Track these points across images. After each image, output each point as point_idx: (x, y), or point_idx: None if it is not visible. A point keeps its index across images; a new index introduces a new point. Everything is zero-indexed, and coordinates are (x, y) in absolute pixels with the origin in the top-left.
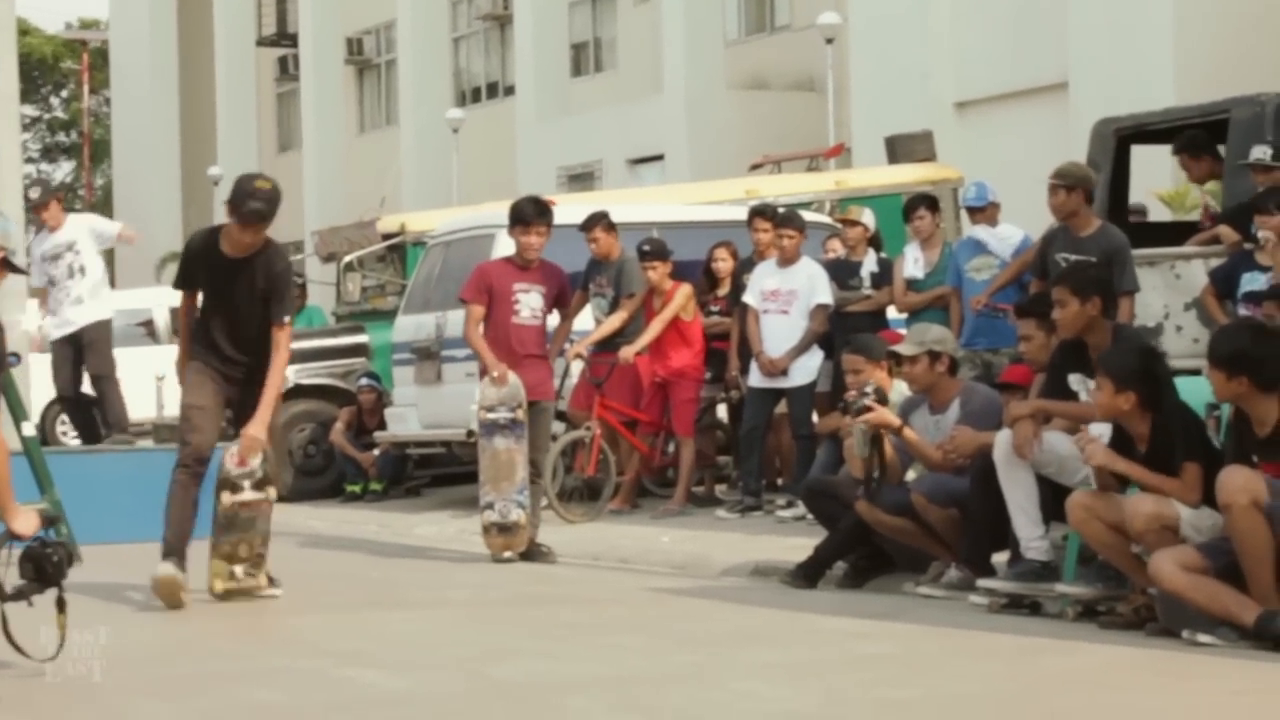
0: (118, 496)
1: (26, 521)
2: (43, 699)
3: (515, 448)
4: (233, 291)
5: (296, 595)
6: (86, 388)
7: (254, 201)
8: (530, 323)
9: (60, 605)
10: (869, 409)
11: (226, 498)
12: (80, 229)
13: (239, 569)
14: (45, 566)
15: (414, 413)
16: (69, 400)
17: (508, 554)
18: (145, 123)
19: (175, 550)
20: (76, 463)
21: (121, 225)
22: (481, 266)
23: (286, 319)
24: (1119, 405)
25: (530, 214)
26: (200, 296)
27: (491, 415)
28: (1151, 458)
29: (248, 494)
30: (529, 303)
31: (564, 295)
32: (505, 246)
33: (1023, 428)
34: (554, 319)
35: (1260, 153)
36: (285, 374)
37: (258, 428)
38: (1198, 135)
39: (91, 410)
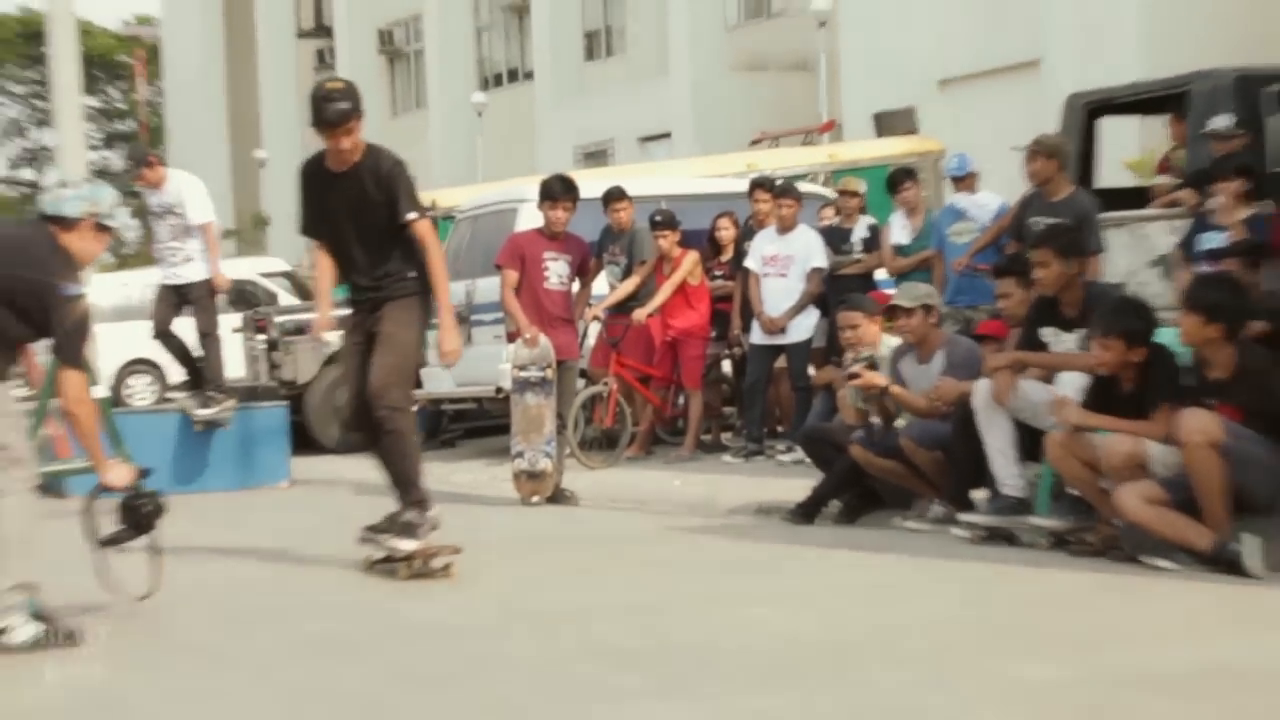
0: (174, 450)
1: (119, 474)
2: (133, 635)
3: (544, 403)
4: (352, 209)
5: (345, 535)
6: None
7: (331, 105)
8: (558, 288)
9: (153, 551)
10: (857, 375)
11: None
12: (181, 189)
13: None
14: (139, 516)
15: (447, 372)
16: (163, 335)
17: (535, 499)
18: (196, 110)
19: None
20: (143, 421)
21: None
22: (514, 236)
23: (413, 214)
24: (1121, 356)
25: (558, 190)
26: (326, 236)
27: (524, 373)
28: (1138, 394)
29: None
30: (557, 270)
31: (586, 263)
32: (527, 219)
33: (1001, 377)
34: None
35: (1218, 123)
36: (438, 269)
37: (449, 340)
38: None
39: (188, 352)
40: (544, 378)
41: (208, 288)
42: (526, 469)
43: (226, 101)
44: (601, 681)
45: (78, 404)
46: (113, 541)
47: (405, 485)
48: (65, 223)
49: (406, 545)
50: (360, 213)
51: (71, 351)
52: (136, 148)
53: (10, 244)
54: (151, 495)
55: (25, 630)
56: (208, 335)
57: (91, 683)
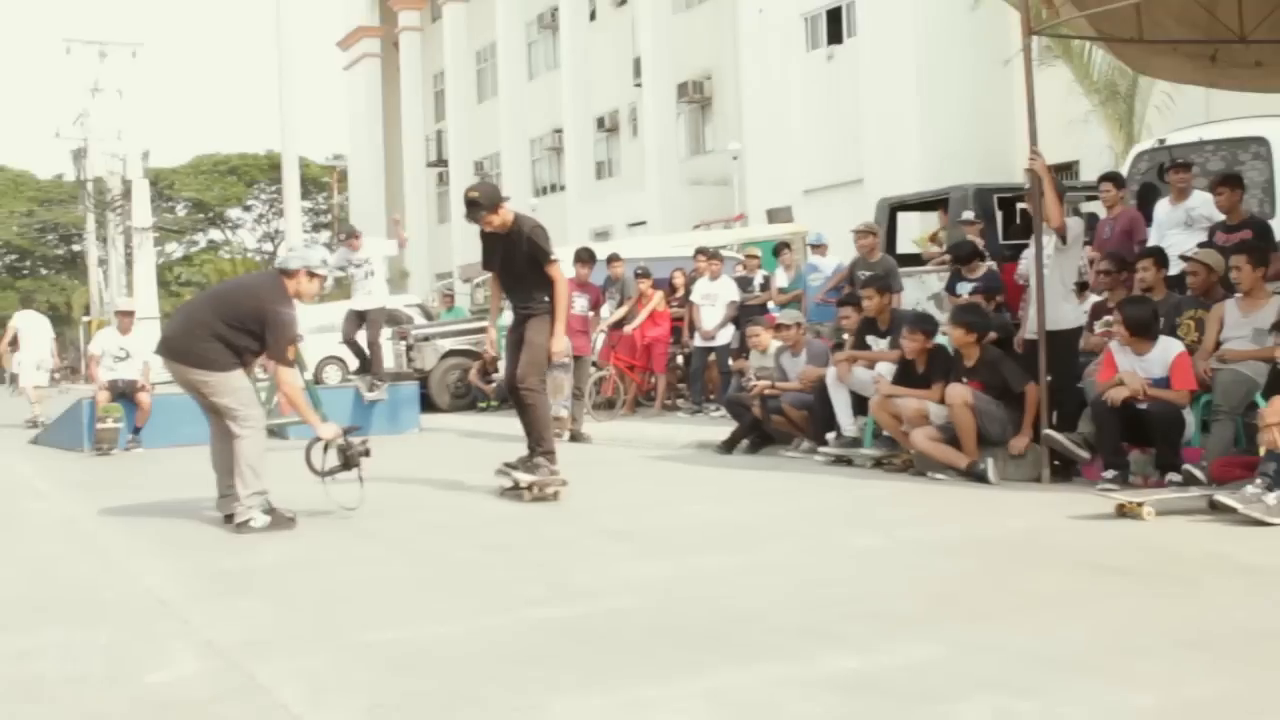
0: (350, 411)
1: (327, 429)
2: (326, 525)
3: (564, 377)
4: (509, 257)
5: (452, 462)
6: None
7: (468, 209)
8: (580, 313)
9: (359, 480)
10: (755, 386)
11: None
12: (373, 250)
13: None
14: (348, 456)
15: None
16: (350, 343)
17: (559, 433)
18: (368, 209)
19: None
20: (332, 393)
21: (397, 235)
22: None
23: (552, 257)
24: (922, 344)
25: (585, 256)
26: (495, 271)
27: (556, 363)
28: (926, 374)
29: None
30: (580, 304)
31: (598, 300)
32: (567, 271)
33: (842, 366)
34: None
35: (966, 215)
36: (561, 298)
37: (557, 343)
38: (941, 207)
39: (364, 351)
40: (565, 364)
41: (378, 314)
42: (556, 415)
43: (384, 203)
44: (603, 550)
45: (284, 385)
46: (330, 473)
47: (537, 439)
48: (289, 273)
49: (526, 478)
50: (514, 260)
51: (279, 352)
52: (346, 226)
53: (252, 286)
54: (360, 444)
55: (260, 519)
56: (374, 344)
57: (297, 553)
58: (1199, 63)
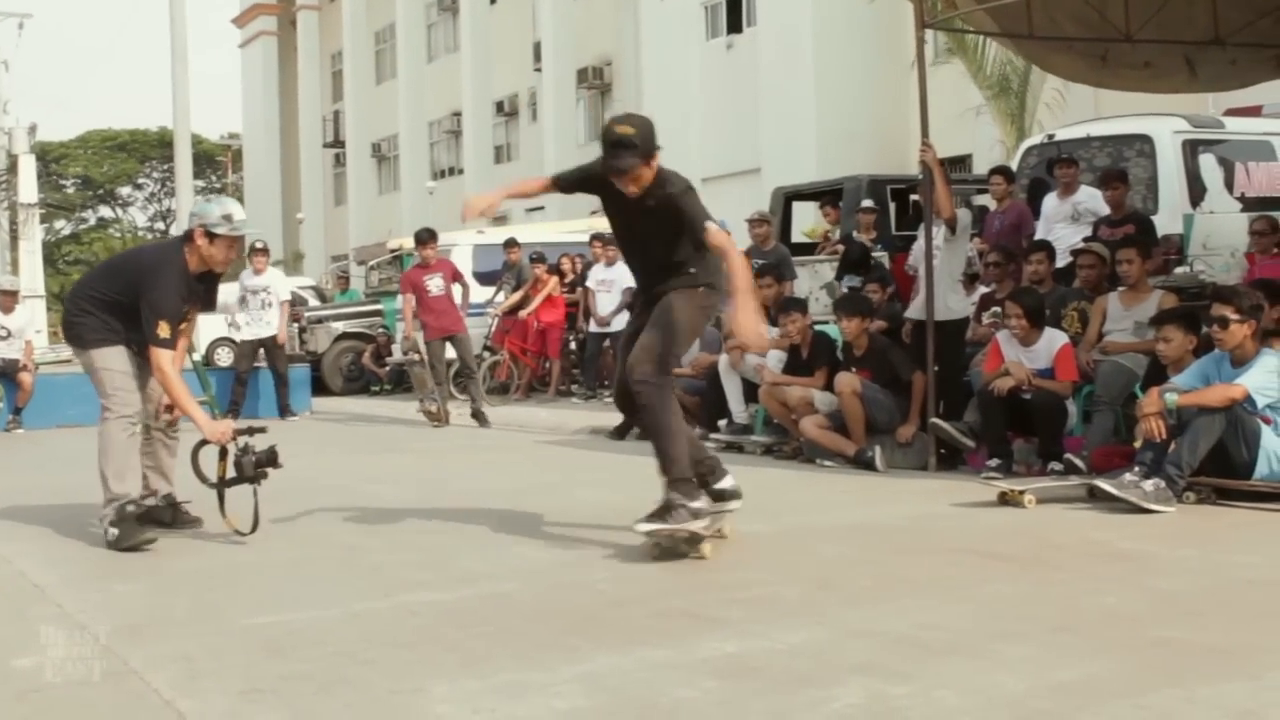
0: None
1: (217, 429)
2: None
3: (423, 371)
4: (631, 220)
5: (342, 445)
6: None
7: (609, 151)
8: (436, 293)
9: (254, 496)
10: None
11: None
12: (274, 278)
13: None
14: (245, 468)
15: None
16: (242, 376)
17: (435, 424)
18: (262, 189)
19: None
20: (222, 376)
21: (286, 300)
22: (405, 273)
23: (709, 224)
24: (801, 326)
25: (425, 237)
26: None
27: (406, 357)
28: (809, 361)
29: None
30: (434, 284)
31: (456, 274)
32: (460, 254)
33: (734, 354)
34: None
35: (866, 203)
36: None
37: (748, 320)
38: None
39: (241, 393)
40: (416, 358)
41: (276, 340)
42: (425, 409)
43: (281, 184)
44: (488, 534)
45: (156, 369)
46: (223, 485)
47: (663, 461)
48: (188, 237)
49: (665, 528)
50: (645, 225)
51: (149, 329)
52: (424, 231)
53: (140, 253)
54: (264, 452)
55: (111, 532)
56: (280, 373)
57: (177, 537)
58: (1091, 61)
